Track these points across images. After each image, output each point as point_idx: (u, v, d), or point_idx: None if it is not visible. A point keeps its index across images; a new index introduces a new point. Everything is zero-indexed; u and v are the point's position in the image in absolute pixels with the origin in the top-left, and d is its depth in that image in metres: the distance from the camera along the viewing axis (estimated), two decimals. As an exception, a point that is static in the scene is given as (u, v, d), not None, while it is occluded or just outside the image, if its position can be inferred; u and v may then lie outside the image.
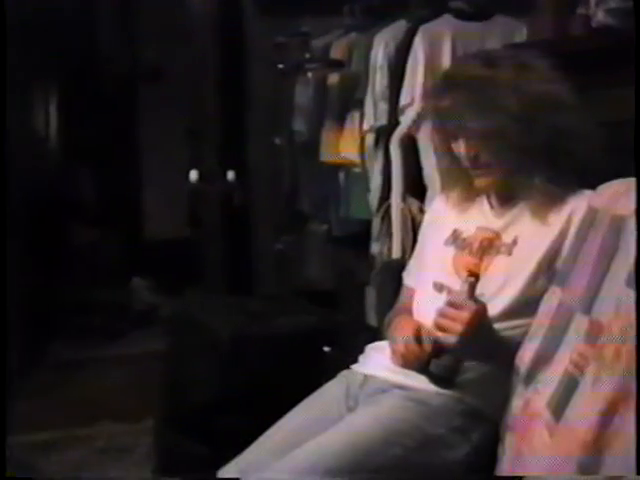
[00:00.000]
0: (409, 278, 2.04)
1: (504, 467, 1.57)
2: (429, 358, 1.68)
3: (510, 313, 1.71)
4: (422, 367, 1.70)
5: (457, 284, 1.73)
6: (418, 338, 1.73)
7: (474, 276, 1.62)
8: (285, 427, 1.82)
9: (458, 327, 1.59)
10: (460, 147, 1.75)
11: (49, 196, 4.89)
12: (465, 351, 1.65)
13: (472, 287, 1.62)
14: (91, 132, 5.49)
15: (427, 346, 1.70)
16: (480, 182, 1.78)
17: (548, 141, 1.68)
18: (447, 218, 1.91)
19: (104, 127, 5.58)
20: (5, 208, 3.26)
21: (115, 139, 5.66)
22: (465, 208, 1.87)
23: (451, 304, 1.62)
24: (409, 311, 1.92)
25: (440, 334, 1.62)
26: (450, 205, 1.91)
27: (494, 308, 1.70)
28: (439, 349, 1.65)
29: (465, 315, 1.59)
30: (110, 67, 5.75)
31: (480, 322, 1.61)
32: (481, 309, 1.62)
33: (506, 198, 1.80)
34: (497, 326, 1.68)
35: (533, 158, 1.70)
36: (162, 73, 5.64)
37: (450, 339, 1.60)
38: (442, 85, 1.81)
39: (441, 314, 1.63)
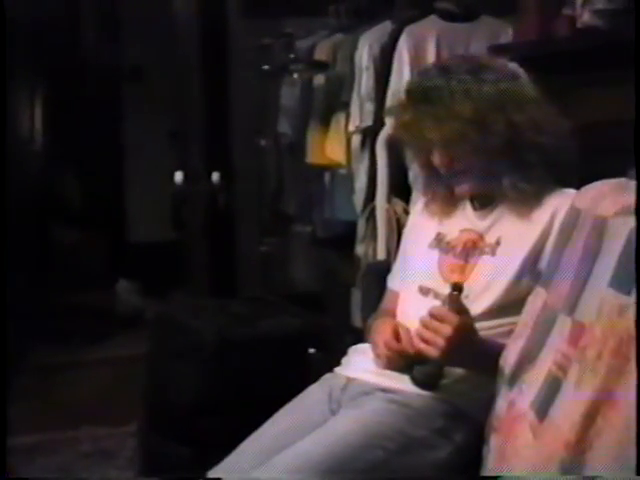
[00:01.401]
0: (393, 281, 2.04)
1: (489, 467, 1.57)
2: (412, 365, 1.67)
3: (494, 312, 1.72)
4: (405, 369, 1.70)
5: (442, 287, 1.73)
6: (398, 339, 1.74)
7: (458, 289, 1.61)
8: (267, 432, 1.81)
9: (440, 341, 1.58)
10: (436, 158, 1.78)
11: (32, 197, 4.86)
12: (448, 362, 1.64)
13: (455, 300, 1.60)
14: (75, 133, 5.47)
15: (408, 347, 1.70)
16: (460, 189, 1.81)
17: (512, 138, 1.70)
18: (430, 221, 1.92)
19: (88, 128, 5.56)
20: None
21: (99, 140, 5.64)
22: (448, 212, 1.88)
23: (433, 316, 1.61)
24: (392, 314, 1.92)
25: (422, 345, 1.61)
26: (433, 209, 1.92)
27: (478, 307, 1.70)
28: (422, 357, 1.63)
29: (447, 330, 1.57)
30: (94, 68, 5.74)
31: (463, 335, 1.59)
32: (464, 322, 1.60)
33: (488, 200, 1.82)
34: (482, 325, 1.68)
35: (499, 158, 1.72)
36: (145, 74, 5.63)
37: (432, 352, 1.59)
38: (403, 101, 1.84)
39: (424, 325, 1.62)
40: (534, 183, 1.73)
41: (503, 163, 1.73)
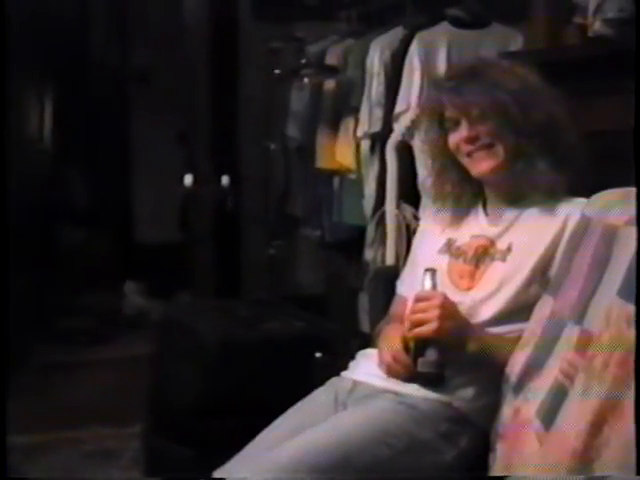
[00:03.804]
0: (402, 287, 2.03)
1: (495, 475, 1.57)
2: (415, 358, 1.66)
3: (502, 318, 1.72)
4: (409, 376, 1.69)
5: (452, 293, 1.72)
6: (406, 348, 1.71)
7: (430, 270, 1.67)
8: (271, 435, 1.79)
9: (434, 312, 1.61)
10: (462, 132, 1.76)
11: (40, 198, 4.88)
12: (446, 338, 1.63)
13: (432, 279, 1.66)
14: (84, 135, 5.49)
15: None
16: (481, 167, 1.77)
17: (546, 127, 1.71)
18: (441, 227, 1.91)
19: (97, 130, 5.58)
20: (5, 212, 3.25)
21: (108, 142, 5.65)
22: (459, 218, 1.88)
23: (419, 298, 1.65)
24: (400, 320, 1.89)
25: (417, 329, 1.63)
26: (444, 215, 1.91)
27: (487, 312, 1.71)
28: (422, 346, 1.64)
29: (436, 301, 1.62)
30: (103, 70, 5.76)
31: (451, 306, 1.64)
32: (447, 295, 1.65)
33: (502, 204, 1.81)
34: (490, 330, 1.69)
35: (532, 142, 1.72)
36: (154, 76, 5.65)
37: (429, 327, 1.61)
38: (447, 75, 1.91)
39: (413, 311, 1.65)
40: (545, 182, 1.74)
41: (529, 148, 1.73)
